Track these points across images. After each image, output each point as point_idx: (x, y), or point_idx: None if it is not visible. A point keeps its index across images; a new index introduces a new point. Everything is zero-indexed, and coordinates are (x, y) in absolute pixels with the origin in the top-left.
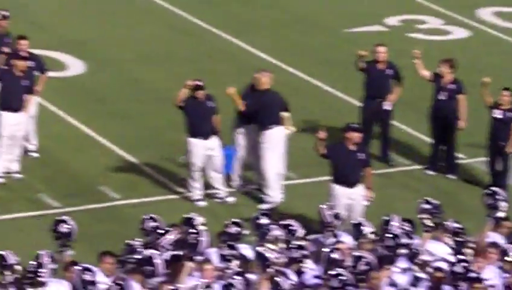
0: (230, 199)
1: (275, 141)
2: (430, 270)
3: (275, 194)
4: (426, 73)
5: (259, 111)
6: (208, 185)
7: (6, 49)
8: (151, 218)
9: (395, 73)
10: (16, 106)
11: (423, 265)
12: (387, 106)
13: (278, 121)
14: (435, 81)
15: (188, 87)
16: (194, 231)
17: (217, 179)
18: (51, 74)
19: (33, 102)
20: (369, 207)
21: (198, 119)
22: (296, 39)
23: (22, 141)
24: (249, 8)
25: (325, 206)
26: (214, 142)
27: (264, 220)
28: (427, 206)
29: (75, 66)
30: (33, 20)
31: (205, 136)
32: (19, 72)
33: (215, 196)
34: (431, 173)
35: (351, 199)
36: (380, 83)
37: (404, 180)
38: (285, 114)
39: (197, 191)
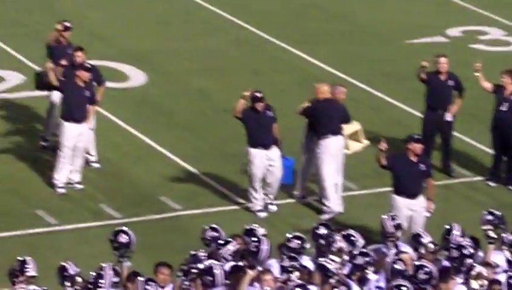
0: (262, 214)
1: (332, 150)
2: (485, 282)
3: (332, 205)
4: (487, 85)
5: (317, 120)
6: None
7: (64, 62)
8: (212, 228)
9: (456, 84)
10: (78, 116)
11: (478, 277)
12: (448, 117)
13: (337, 131)
14: (497, 93)
15: (245, 98)
16: (255, 239)
17: (271, 190)
18: (112, 84)
19: (94, 113)
20: (430, 218)
21: (258, 130)
22: (358, 50)
23: (84, 152)
24: (310, 20)
25: (386, 217)
26: (274, 152)
27: (323, 231)
28: (490, 217)
29: (136, 77)
30: (94, 32)
31: (265, 146)
32: (82, 82)
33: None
34: (493, 184)
35: (412, 210)
36: (442, 94)
37: (466, 191)
38: (357, 127)
39: (257, 201)
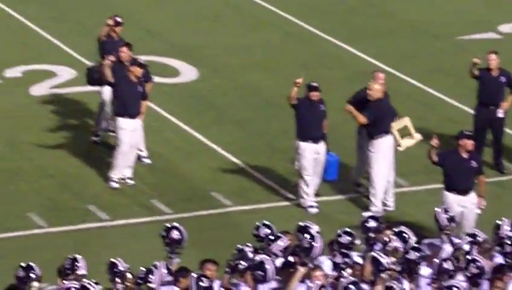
0: (313, 210)
1: (385, 150)
2: None
3: (379, 203)
4: None
5: (370, 121)
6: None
7: (111, 57)
8: (265, 225)
9: (508, 80)
10: (133, 112)
11: None
12: (500, 113)
13: (388, 130)
14: None
15: (297, 85)
16: (308, 235)
17: (315, 183)
18: (163, 80)
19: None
20: (481, 215)
21: (309, 121)
22: (409, 46)
23: (136, 148)
24: (362, 15)
25: (439, 209)
26: (321, 147)
27: (372, 223)
28: None
29: (188, 73)
30: (146, 27)
31: (315, 139)
32: (135, 78)
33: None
34: None
35: (463, 207)
36: (494, 90)
37: None
38: (406, 121)
39: (308, 197)
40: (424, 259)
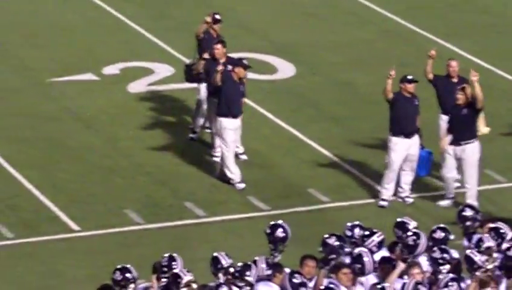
0: (409, 200)
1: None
2: None
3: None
4: None
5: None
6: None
7: (206, 55)
8: (356, 225)
9: None
10: (236, 112)
11: None
12: None
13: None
14: None
15: (390, 78)
16: (411, 233)
17: (406, 178)
18: (261, 77)
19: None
20: None
21: (403, 116)
22: (506, 43)
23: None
24: (459, 12)
25: None
26: (414, 141)
27: (469, 213)
28: None
29: (285, 69)
30: (243, 24)
31: (408, 135)
32: (237, 78)
33: (398, 194)
34: None
35: None
36: None
37: None
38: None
39: (386, 192)
40: None
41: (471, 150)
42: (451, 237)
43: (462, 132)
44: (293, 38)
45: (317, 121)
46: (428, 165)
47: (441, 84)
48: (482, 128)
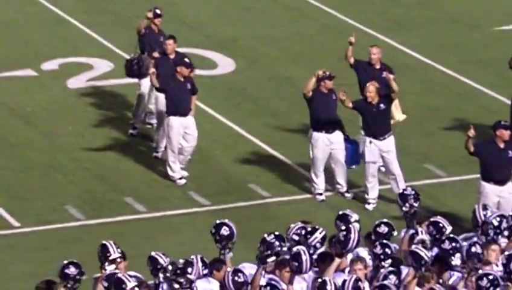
0: (348, 195)
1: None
2: None
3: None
4: None
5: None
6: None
7: (156, 54)
8: (301, 226)
9: None
10: (183, 110)
11: None
12: None
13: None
14: None
15: (317, 77)
16: (343, 228)
17: (339, 173)
18: (201, 72)
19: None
20: None
21: (323, 113)
22: (446, 37)
23: (193, 144)
24: (399, 7)
25: (479, 206)
26: (336, 135)
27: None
28: None
29: (225, 65)
30: (182, 19)
31: (329, 130)
32: (182, 77)
33: (337, 190)
34: None
35: (501, 197)
36: None
37: None
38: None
39: (317, 186)
40: (458, 251)
41: (392, 141)
42: (395, 232)
43: (384, 126)
44: (233, 33)
45: (257, 116)
46: (357, 156)
47: (362, 70)
48: (398, 115)
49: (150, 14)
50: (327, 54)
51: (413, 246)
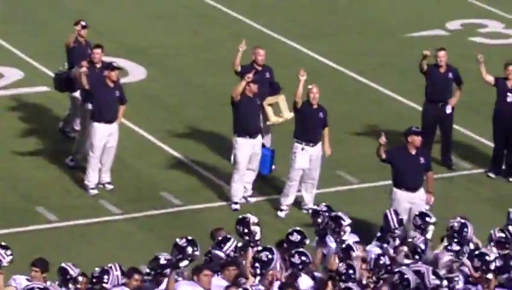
0: (251, 200)
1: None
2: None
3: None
4: (489, 78)
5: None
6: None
7: (84, 63)
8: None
9: (455, 77)
10: (109, 117)
11: None
12: (448, 109)
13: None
14: (498, 85)
15: (247, 80)
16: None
17: (250, 177)
18: None
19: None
20: (430, 211)
21: (247, 117)
22: (359, 44)
23: (114, 152)
24: (309, 13)
25: (390, 212)
26: (258, 140)
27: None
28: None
29: (136, 73)
30: (94, 27)
31: (252, 135)
32: (111, 83)
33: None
34: (493, 175)
35: (412, 203)
36: (441, 86)
37: (466, 184)
38: (280, 98)
39: (237, 192)
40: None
41: (320, 148)
42: (307, 240)
43: (319, 133)
44: (144, 41)
45: (169, 123)
46: (271, 164)
47: (246, 73)
48: (287, 113)
49: (78, 27)
50: (240, 61)
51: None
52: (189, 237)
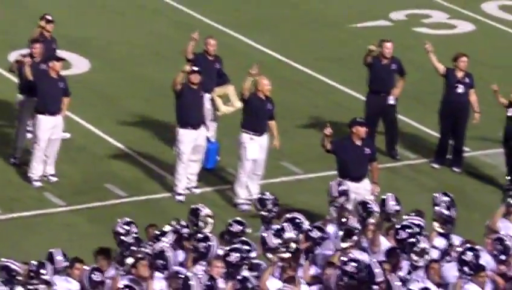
0: (196, 191)
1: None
2: (427, 258)
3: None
4: (441, 67)
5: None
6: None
7: (24, 54)
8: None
9: (398, 67)
10: (53, 109)
11: (421, 253)
12: (391, 100)
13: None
14: (448, 75)
15: (185, 72)
16: (202, 237)
17: (194, 168)
18: None
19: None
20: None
21: (189, 108)
22: (301, 34)
23: (58, 144)
24: (253, 5)
25: (334, 182)
26: (201, 132)
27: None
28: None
29: (79, 64)
30: (35, 19)
31: (195, 126)
32: (55, 74)
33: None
34: (437, 166)
35: (357, 193)
36: (384, 77)
37: (410, 174)
38: (230, 89)
39: (181, 184)
40: (324, 240)
41: (267, 138)
42: (249, 229)
43: (266, 123)
44: (87, 33)
45: (113, 115)
46: (215, 158)
47: (199, 63)
48: (236, 102)
49: (43, 22)
50: (192, 49)
51: (264, 233)
52: (135, 235)
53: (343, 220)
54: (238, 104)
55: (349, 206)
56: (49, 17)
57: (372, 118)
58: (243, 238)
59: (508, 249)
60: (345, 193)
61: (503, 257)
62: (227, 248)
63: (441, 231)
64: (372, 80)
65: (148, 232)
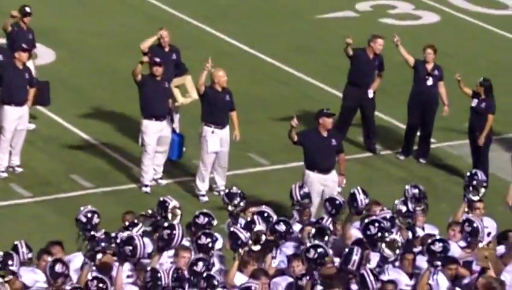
0: (162, 182)
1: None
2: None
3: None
4: (411, 59)
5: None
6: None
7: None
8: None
9: (380, 63)
10: (19, 99)
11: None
12: (370, 93)
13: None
14: (417, 67)
15: (143, 62)
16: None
17: (160, 159)
18: None
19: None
20: (342, 193)
21: (153, 98)
22: (268, 25)
23: (24, 135)
24: None
25: (295, 185)
26: (166, 122)
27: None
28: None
29: (45, 55)
30: (2, 9)
31: (159, 117)
32: (21, 65)
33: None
34: (402, 157)
35: (325, 185)
36: (367, 71)
37: (378, 164)
38: (187, 79)
39: (147, 175)
40: (291, 233)
41: (228, 131)
42: (215, 222)
43: (226, 116)
44: (53, 24)
45: (78, 106)
46: (181, 149)
47: (155, 55)
48: (194, 93)
49: (16, 13)
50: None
51: (233, 228)
52: (104, 230)
53: (306, 222)
54: (196, 95)
55: (312, 209)
56: (28, 9)
57: (348, 110)
58: (207, 230)
59: (477, 231)
60: (307, 196)
61: (469, 239)
62: (198, 235)
63: (402, 225)
64: (354, 72)
65: (125, 218)
